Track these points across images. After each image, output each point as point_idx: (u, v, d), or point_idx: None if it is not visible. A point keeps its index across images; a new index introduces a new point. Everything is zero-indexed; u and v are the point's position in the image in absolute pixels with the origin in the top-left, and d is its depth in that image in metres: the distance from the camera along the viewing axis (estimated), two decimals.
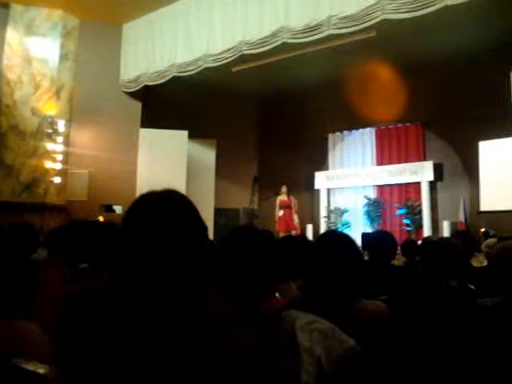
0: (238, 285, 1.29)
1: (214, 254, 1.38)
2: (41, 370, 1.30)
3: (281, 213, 10.20)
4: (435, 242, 2.73)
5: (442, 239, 2.79)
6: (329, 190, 11.89)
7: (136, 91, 9.59)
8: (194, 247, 0.99)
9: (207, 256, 1.05)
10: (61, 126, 8.95)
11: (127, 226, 1.01)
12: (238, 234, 1.40)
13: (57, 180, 8.79)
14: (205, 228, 1.06)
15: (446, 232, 9.33)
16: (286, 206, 10.27)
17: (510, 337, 2.04)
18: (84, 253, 2.54)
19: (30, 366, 1.33)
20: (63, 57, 9.16)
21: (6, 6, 8.77)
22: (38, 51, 8.96)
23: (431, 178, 10.18)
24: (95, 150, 9.26)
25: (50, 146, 8.77)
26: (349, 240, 1.76)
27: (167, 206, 1.01)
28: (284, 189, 10.40)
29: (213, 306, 1.11)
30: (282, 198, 10.36)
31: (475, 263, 5.85)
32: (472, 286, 2.81)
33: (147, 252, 0.95)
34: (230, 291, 1.29)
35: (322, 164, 12.07)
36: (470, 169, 8.57)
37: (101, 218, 8.41)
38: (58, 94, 9.04)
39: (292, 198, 10.58)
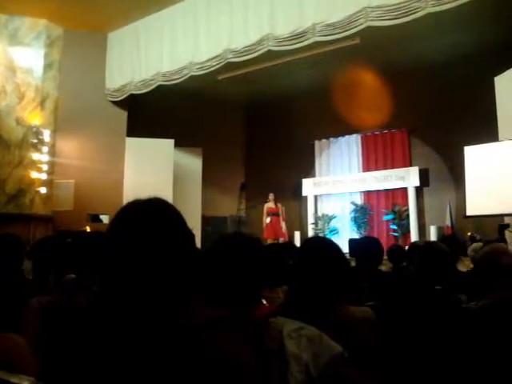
0: (224, 292, 1.29)
1: (202, 262, 1.38)
2: (25, 383, 1.28)
3: (268, 220, 10.20)
4: (422, 246, 2.75)
5: (428, 243, 2.81)
6: (316, 197, 11.93)
7: (121, 100, 9.57)
8: (181, 256, 0.98)
9: (194, 264, 1.04)
10: (46, 135, 8.89)
11: (112, 235, 1.00)
12: (225, 241, 1.40)
13: (43, 190, 8.71)
14: (192, 236, 1.06)
15: (432, 237, 9.40)
16: (273, 214, 10.26)
17: (496, 339, 2.05)
18: (70, 264, 2.52)
19: (15, 379, 1.31)
20: (48, 66, 9.11)
21: None
22: (23, 61, 8.91)
23: (417, 183, 10.27)
24: (81, 160, 9.21)
25: (35, 156, 8.70)
26: (333, 246, 1.76)
27: (153, 215, 1.00)
28: (271, 196, 10.40)
29: (199, 314, 1.11)
30: (270, 205, 10.36)
31: (461, 267, 5.90)
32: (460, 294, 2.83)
33: (132, 261, 0.94)
34: (217, 298, 1.28)
35: (309, 171, 12.11)
36: (456, 174, 8.67)
37: (87, 228, 8.36)
38: (42, 103, 8.98)
39: (279, 206, 10.59)
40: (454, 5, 5.75)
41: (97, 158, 9.30)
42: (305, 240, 1.92)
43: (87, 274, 2.38)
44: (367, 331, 1.66)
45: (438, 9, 5.87)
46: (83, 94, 9.40)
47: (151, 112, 10.33)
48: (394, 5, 6.15)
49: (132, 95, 9.35)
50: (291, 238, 11.04)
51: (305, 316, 1.25)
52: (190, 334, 0.97)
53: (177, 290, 0.97)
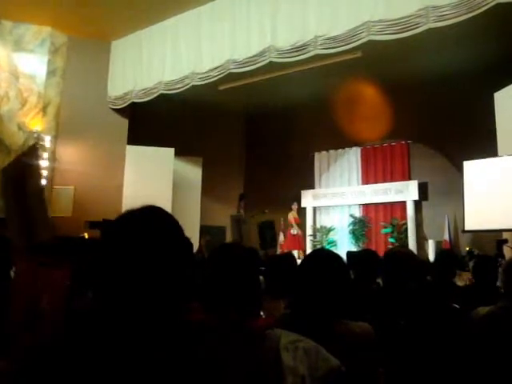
0: (222, 302, 1.28)
1: (201, 271, 1.37)
2: None
3: (295, 232, 9.92)
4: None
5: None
6: (315, 209, 11.92)
7: (123, 108, 9.61)
8: (178, 265, 0.98)
9: (192, 274, 1.04)
10: (47, 141, 8.91)
11: (108, 243, 0.99)
12: (223, 252, 1.40)
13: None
14: (189, 245, 1.05)
15: (430, 251, 9.39)
16: (298, 224, 10.01)
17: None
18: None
19: None
20: (51, 73, 9.16)
21: None
22: (26, 67, 8.97)
23: (416, 197, 10.28)
24: (81, 166, 9.22)
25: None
26: (337, 259, 1.76)
27: (150, 224, 1.00)
28: (295, 206, 10.11)
29: (198, 325, 1.11)
30: (295, 215, 10.05)
31: (459, 282, 5.89)
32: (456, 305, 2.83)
33: (128, 270, 0.93)
34: (216, 309, 1.28)
35: (309, 182, 12.11)
36: (455, 188, 8.67)
37: (86, 235, 8.33)
38: (44, 109, 9.01)
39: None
40: (454, 21, 5.79)
41: (97, 165, 9.31)
42: (311, 252, 1.91)
43: (83, 282, 2.38)
44: (365, 346, 1.66)
45: (438, 24, 5.92)
46: (85, 100, 9.44)
47: (152, 120, 10.36)
48: (395, 19, 6.20)
49: (134, 103, 9.39)
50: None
51: (303, 329, 1.25)
52: (185, 344, 0.96)
53: (175, 301, 0.96)
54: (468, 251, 8.66)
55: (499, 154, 7.63)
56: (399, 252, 2.65)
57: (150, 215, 1.02)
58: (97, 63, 9.69)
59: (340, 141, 11.48)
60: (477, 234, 8.98)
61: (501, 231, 7.62)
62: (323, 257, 1.76)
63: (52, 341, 0.99)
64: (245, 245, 1.50)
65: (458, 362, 2.21)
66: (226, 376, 1.01)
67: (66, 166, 9.16)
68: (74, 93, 9.34)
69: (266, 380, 1.08)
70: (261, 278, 2.37)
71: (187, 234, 1.06)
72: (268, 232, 9.18)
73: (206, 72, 8.11)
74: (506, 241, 7.46)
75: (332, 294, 1.64)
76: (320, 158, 12.13)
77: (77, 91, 9.37)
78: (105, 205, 8.79)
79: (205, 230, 10.32)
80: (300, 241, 9.88)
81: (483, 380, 2.21)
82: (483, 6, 5.53)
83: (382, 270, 2.61)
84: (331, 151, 11.94)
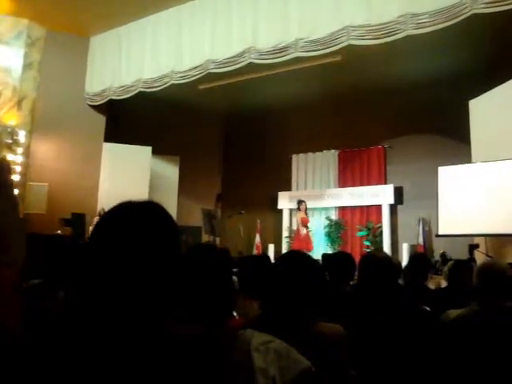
0: (193, 306, 1.27)
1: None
2: None
3: (304, 231, 9.81)
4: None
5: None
6: (291, 211, 11.96)
7: (101, 105, 9.51)
8: (168, 266, 0.95)
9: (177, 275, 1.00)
10: (21, 136, 8.74)
11: (96, 238, 0.95)
12: (194, 254, 1.39)
13: (15, 192, 8.53)
14: (179, 246, 1.01)
15: (404, 254, 9.50)
16: (305, 225, 9.88)
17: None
18: (38, 268, 2.46)
19: None
20: (27, 66, 8.99)
21: None
22: (1, 60, 8.78)
23: (392, 200, 10.39)
24: (56, 163, 9.09)
25: (9, 156, 8.53)
26: (310, 261, 1.76)
27: (150, 220, 0.97)
28: (303, 206, 9.97)
29: (172, 328, 1.09)
30: (303, 215, 9.92)
31: (432, 285, 5.98)
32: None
33: (118, 269, 0.89)
34: (188, 312, 1.27)
35: (286, 184, 12.14)
36: (429, 193, 8.79)
37: (60, 232, 8.21)
38: (19, 103, 8.85)
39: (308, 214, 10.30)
40: (432, 29, 5.91)
41: (72, 162, 9.19)
42: (284, 254, 1.92)
43: (54, 279, 2.33)
44: (337, 347, 1.66)
45: (417, 31, 6.03)
46: (62, 96, 9.30)
47: (130, 118, 10.26)
48: (375, 25, 6.29)
49: (111, 100, 9.29)
50: (265, 250, 11.04)
51: (275, 330, 1.24)
52: (164, 349, 0.94)
53: (159, 303, 0.94)
54: (441, 255, 8.80)
55: (473, 160, 7.77)
56: (376, 255, 2.67)
57: (151, 212, 0.99)
58: (75, 58, 9.56)
59: (318, 143, 11.55)
60: (451, 238, 9.13)
61: (473, 236, 7.76)
62: (296, 258, 1.76)
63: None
64: (220, 240, 1.49)
65: (429, 364, 2.24)
66: (196, 379, 1.01)
67: (40, 162, 9.00)
68: (50, 87, 9.19)
69: (237, 381, 1.07)
70: (235, 278, 2.37)
71: None
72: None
73: (185, 71, 8.07)
74: (477, 246, 7.61)
75: (304, 296, 1.64)
76: (298, 160, 12.17)
77: (53, 86, 9.22)
78: (80, 202, 8.70)
79: (181, 230, 10.24)
80: (308, 241, 9.77)
81: (453, 381, 2.24)
82: (460, 15, 5.69)
83: (359, 273, 2.63)
84: (309, 153, 11.98)
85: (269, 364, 1.09)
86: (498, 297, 2.32)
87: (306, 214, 9.94)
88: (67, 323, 0.91)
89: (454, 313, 2.40)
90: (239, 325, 1.23)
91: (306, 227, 9.79)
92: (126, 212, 0.97)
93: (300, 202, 9.91)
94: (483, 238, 7.31)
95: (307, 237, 9.75)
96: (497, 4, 5.47)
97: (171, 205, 10.65)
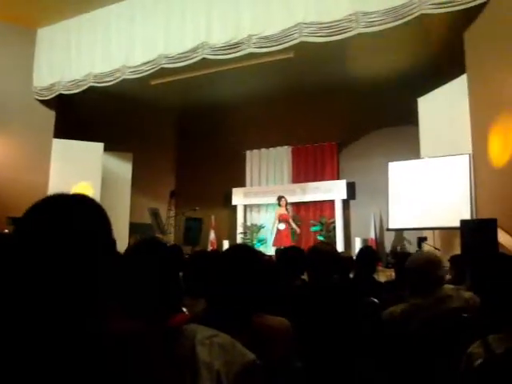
0: (139, 302, 1.26)
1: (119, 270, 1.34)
2: None
3: (282, 226, 9.76)
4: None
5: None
6: (246, 207, 12.00)
7: (50, 99, 9.21)
8: (101, 260, 0.93)
9: (114, 271, 0.99)
10: None
11: (21, 233, 0.92)
12: (140, 249, 1.38)
13: None
14: (113, 242, 0.99)
15: (357, 248, 9.69)
16: (285, 221, 9.85)
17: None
18: None
19: None
20: None
21: None
22: None
23: (344, 196, 10.58)
24: (3, 159, 8.75)
25: None
26: (253, 254, 1.77)
27: (79, 213, 0.94)
28: (283, 201, 9.94)
29: (112, 325, 1.07)
30: (281, 211, 9.87)
31: (382, 278, 6.15)
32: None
33: (42, 263, 0.87)
34: (133, 308, 1.25)
35: (240, 180, 12.17)
36: (380, 188, 8.99)
37: (7, 231, 7.93)
38: None
39: (289, 210, 10.25)
40: (382, 28, 6.08)
41: (20, 158, 8.88)
42: (227, 249, 1.92)
43: None
44: (281, 339, 1.69)
45: (367, 30, 6.18)
46: (8, 89, 8.95)
47: (81, 114, 9.99)
48: (326, 23, 6.39)
49: (61, 95, 9.02)
50: (220, 247, 11.04)
51: (219, 323, 1.25)
52: (100, 345, 0.92)
53: (92, 298, 0.92)
54: (391, 249, 9.04)
55: (421, 155, 8.01)
56: (321, 247, 2.72)
57: (80, 205, 0.96)
58: (21, 51, 9.21)
59: (272, 139, 11.64)
60: (401, 232, 9.39)
61: (421, 229, 8.00)
62: (239, 251, 1.77)
63: None
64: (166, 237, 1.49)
65: (375, 358, 2.30)
66: (139, 374, 1.00)
67: None
68: None
69: (181, 376, 1.07)
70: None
71: (116, 231, 0.99)
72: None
73: (137, 66, 7.94)
74: (425, 238, 7.86)
75: (248, 289, 1.65)
76: (251, 156, 12.21)
77: None
78: (29, 200, 8.16)
79: (134, 229, 10.12)
80: (288, 236, 9.80)
81: (397, 375, 2.31)
82: (409, 15, 5.90)
83: (306, 265, 2.68)
84: (262, 149, 12.05)
85: (213, 358, 1.10)
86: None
87: (287, 209, 10.04)
88: None
89: (395, 309, 2.48)
90: (184, 320, 1.23)
91: (287, 223, 9.88)
92: (51, 203, 0.95)
93: (280, 198, 10.01)
94: (431, 231, 7.54)
95: (285, 232, 9.85)
96: (443, 6, 5.70)
97: (124, 202, 10.49)
